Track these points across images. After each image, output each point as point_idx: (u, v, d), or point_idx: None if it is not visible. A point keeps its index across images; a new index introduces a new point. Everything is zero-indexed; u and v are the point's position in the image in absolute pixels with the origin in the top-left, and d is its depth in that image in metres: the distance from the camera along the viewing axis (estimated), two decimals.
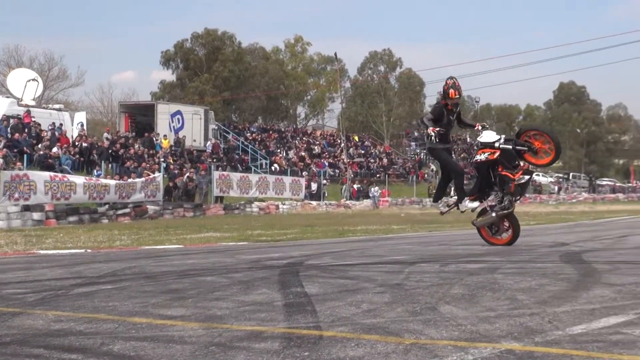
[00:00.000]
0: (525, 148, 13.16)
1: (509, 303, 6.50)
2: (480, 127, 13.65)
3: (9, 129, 39.90)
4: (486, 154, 13.28)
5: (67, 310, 6.40)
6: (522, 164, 13.30)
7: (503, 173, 13.18)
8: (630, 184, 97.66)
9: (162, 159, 44.88)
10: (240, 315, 5.99)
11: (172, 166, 45.14)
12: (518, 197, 13.75)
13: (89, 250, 15.04)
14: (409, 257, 12.01)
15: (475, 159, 13.65)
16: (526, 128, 14.35)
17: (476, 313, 5.99)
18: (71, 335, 5.21)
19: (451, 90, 13.38)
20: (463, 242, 16.91)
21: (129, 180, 35.51)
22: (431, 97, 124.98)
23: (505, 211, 13.43)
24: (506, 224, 13.94)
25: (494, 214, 13.59)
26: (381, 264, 10.90)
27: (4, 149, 35.02)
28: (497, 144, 13.16)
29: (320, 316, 5.90)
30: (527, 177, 13.40)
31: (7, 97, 49.86)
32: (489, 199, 13.64)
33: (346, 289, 7.71)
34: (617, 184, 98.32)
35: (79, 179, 32.53)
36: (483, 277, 8.55)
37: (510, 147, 13.11)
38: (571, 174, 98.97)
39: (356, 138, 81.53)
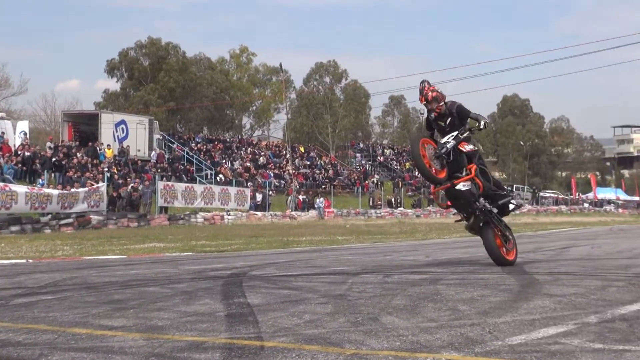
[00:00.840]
0: None
1: (451, 313, 6.56)
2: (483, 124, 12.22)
3: None
4: None
5: (6, 320, 6.33)
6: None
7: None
8: (572, 196, 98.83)
9: (106, 169, 44.51)
10: (182, 326, 5.98)
11: (116, 176, 44.76)
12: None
13: (31, 261, 14.86)
14: (353, 268, 12.05)
15: None
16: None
17: (417, 323, 6.03)
18: (9, 346, 5.16)
19: (419, 97, 12.24)
20: (407, 252, 17.01)
21: (72, 190, 35.12)
22: (376, 108, 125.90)
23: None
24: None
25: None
26: (325, 275, 10.93)
27: None
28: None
29: (262, 327, 5.91)
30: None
31: None
32: None
33: (289, 299, 7.72)
34: (560, 196, 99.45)
35: (20, 189, 32.12)
36: (425, 287, 8.62)
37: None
38: (515, 186, 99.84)
39: (302, 149, 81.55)
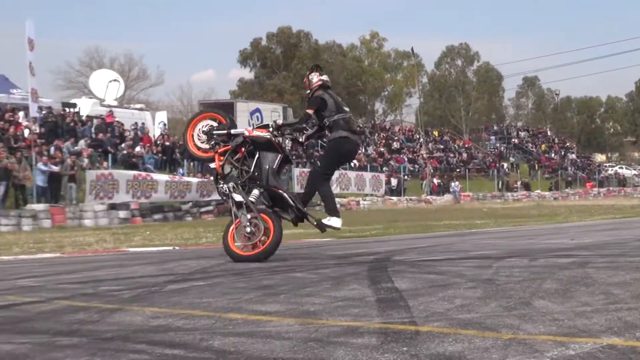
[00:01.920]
0: None
1: (605, 297, 6.42)
2: None
3: (92, 129, 40.57)
4: None
5: (163, 306, 6.49)
6: None
7: None
8: None
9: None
10: (334, 311, 6.02)
11: None
12: None
13: (177, 248, 15.24)
14: (496, 252, 11.93)
15: None
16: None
17: (572, 308, 5.92)
18: (170, 331, 5.29)
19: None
20: (549, 236, 16.74)
21: (211, 178, 35.80)
22: (510, 90, 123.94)
23: None
24: None
25: None
26: (468, 259, 10.85)
27: (89, 149, 35.63)
28: None
29: (414, 311, 5.90)
30: None
31: (90, 97, 50.80)
32: None
33: (436, 284, 7.69)
34: None
35: (161, 178, 32.97)
36: (574, 271, 8.46)
37: None
38: None
39: (435, 133, 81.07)
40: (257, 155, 11.44)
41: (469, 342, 4.70)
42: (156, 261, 11.61)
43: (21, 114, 36.94)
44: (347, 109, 11.60)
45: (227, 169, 11.57)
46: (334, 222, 11.45)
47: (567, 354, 4.34)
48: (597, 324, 5.24)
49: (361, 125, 13.62)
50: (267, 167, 11.46)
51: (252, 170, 11.37)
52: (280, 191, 11.37)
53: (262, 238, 11.00)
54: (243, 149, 11.44)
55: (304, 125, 11.79)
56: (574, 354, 4.32)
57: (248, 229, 10.97)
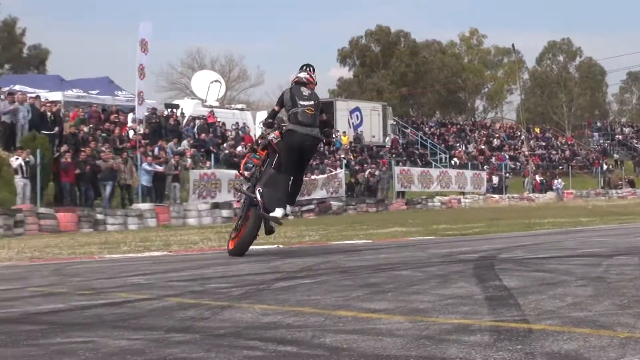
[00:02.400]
0: None
1: None
2: None
3: (195, 129, 41.17)
4: None
5: (272, 303, 6.54)
6: None
7: None
8: None
9: (343, 156, 45.32)
10: (443, 309, 5.98)
11: (353, 162, 45.53)
12: None
13: (281, 246, 15.34)
14: (605, 250, 11.73)
15: None
16: None
17: None
18: (281, 328, 5.33)
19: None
20: None
21: (312, 177, 36.01)
22: (613, 85, 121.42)
23: None
24: None
25: None
26: (576, 257, 10.70)
27: (192, 149, 36.18)
28: None
29: (525, 309, 5.83)
30: None
31: (192, 98, 51.59)
32: None
33: (545, 282, 7.60)
34: None
35: None
36: None
37: None
38: None
39: (537, 130, 79.94)
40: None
41: (584, 340, 4.63)
42: (262, 259, 11.71)
43: (130, 116, 37.73)
44: (304, 102, 11.98)
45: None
46: (276, 212, 11.99)
47: None
48: None
49: (324, 117, 13.56)
50: (265, 167, 12.52)
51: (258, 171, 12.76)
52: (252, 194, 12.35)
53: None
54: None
55: (270, 121, 12.75)
56: None
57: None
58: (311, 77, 12.58)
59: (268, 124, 12.72)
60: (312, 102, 12.12)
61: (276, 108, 12.59)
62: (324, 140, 13.10)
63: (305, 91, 12.16)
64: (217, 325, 5.55)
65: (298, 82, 12.43)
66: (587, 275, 8.07)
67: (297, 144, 12.08)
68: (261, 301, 6.72)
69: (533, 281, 7.65)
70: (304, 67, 12.68)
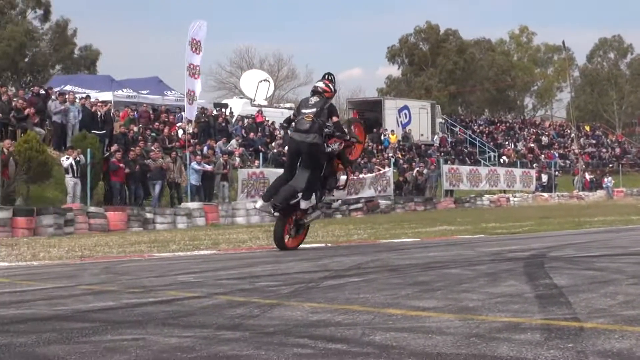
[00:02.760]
0: None
1: None
2: None
3: (243, 128, 41.33)
4: None
5: (321, 301, 6.54)
6: None
7: None
8: None
9: (391, 154, 45.24)
10: (493, 307, 5.95)
11: (401, 161, 45.44)
12: None
13: (329, 244, 15.35)
14: None
15: None
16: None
17: None
18: (330, 326, 5.33)
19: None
20: None
21: (361, 175, 36.00)
22: None
23: None
24: None
25: None
26: (628, 255, 10.61)
27: (240, 148, 36.31)
28: None
29: (576, 308, 5.79)
30: None
31: (241, 97, 51.84)
32: None
33: (596, 280, 7.54)
34: None
35: None
36: None
37: None
38: None
39: (587, 127, 79.14)
40: None
41: (636, 339, 4.58)
42: (310, 257, 11.73)
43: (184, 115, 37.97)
44: (306, 110, 12.96)
45: None
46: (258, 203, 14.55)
47: None
48: None
49: (329, 124, 14.22)
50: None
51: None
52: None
53: None
54: None
55: (285, 125, 14.93)
56: None
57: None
58: (327, 86, 13.45)
59: (281, 127, 15.16)
60: (313, 110, 12.93)
61: (292, 116, 13.77)
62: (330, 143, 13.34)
63: (313, 99, 13.11)
64: (267, 323, 5.56)
65: (313, 91, 13.41)
66: (639, 273, 7.99)
67: (292, 149, 13.47)
68: (310, 299, 6.72)
69: (584, 279, 7.59)
70: (325, 76, 13.56)
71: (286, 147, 14.20)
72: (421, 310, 5.90)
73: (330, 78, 13.55)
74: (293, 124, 13.37)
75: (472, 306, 6.05)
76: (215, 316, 5.97)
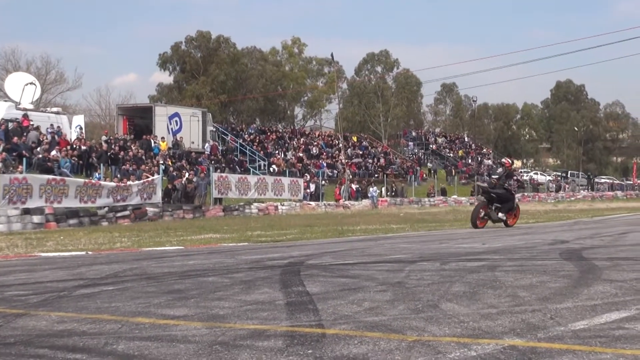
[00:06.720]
0: None
1: (510, 300, 6.54)
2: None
3: (8, 132, 39.85)
4: None
5: (70, 311, 6.42)
6: None
7: None
8: (629, 182, 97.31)
9: (161, 161, 44.84)
10: (243, 315, 6.02)
11: (171, 168, 45.12)
12: None
13: (90, 253, 15.02)
14: (409, 256, 12.05)
15: None
16: None
17: (478, 310, 6.02)
18: (75, 336, 5.24)
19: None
20: (463, 240, 16.93)
21: (128, 182, 35.45)
22: (428, 96, 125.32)
23: None
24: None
25: None
26: (382, 263, 10.93)
27: (3, 153, 35.00)
28: None
29: (323, 314, 5.93)
30: None
31: (5, 100, 49.88)
32: None
33: (347, 287, 7.75)
34: (616, 182, 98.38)
35: (72, 183, 32.41)
36: (483, 274, 8.59)
37: None
38: (569, 172, 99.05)
39: (354, 138, 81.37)
40: None
41: (374, 344, 4.75)
42: (67, 266, 11.45)
43: None
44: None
45: None
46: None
47: (468, 355, 4.41)
48: (501, 325, 5.34)
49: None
50: None
51: None
52: None
53: None
54: None
55: None
56: (476, 355, 4.39)
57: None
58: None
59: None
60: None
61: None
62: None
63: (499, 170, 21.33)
64: (9, 333, 5.40)
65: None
66: (388, 280, 8.27)
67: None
68: (59, 309, 6.58)
69: (335, 287, 7.78)
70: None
71: None
72: (170, 319, 5.89)
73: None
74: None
75: (222, 314, 6.09)
76: None
